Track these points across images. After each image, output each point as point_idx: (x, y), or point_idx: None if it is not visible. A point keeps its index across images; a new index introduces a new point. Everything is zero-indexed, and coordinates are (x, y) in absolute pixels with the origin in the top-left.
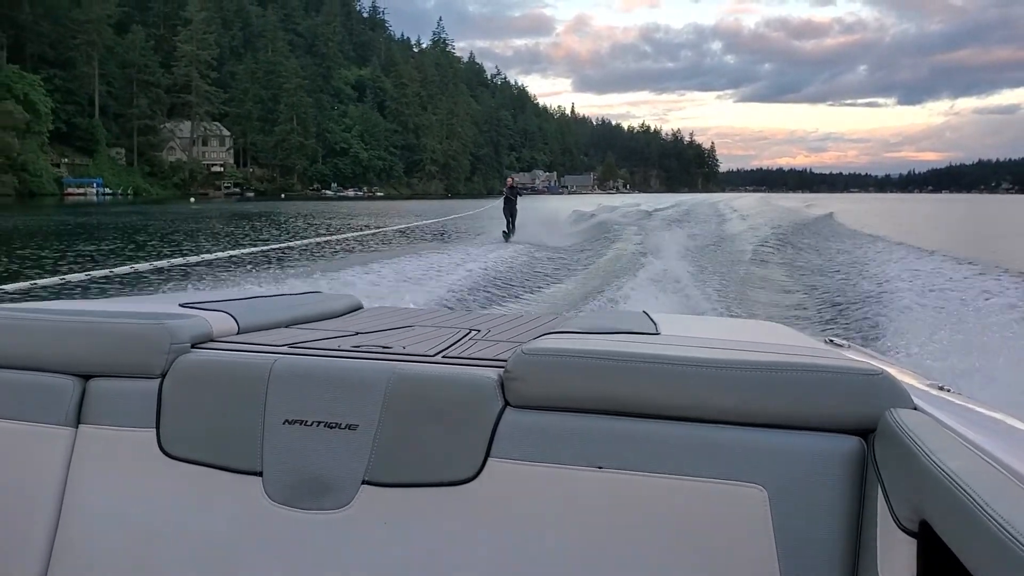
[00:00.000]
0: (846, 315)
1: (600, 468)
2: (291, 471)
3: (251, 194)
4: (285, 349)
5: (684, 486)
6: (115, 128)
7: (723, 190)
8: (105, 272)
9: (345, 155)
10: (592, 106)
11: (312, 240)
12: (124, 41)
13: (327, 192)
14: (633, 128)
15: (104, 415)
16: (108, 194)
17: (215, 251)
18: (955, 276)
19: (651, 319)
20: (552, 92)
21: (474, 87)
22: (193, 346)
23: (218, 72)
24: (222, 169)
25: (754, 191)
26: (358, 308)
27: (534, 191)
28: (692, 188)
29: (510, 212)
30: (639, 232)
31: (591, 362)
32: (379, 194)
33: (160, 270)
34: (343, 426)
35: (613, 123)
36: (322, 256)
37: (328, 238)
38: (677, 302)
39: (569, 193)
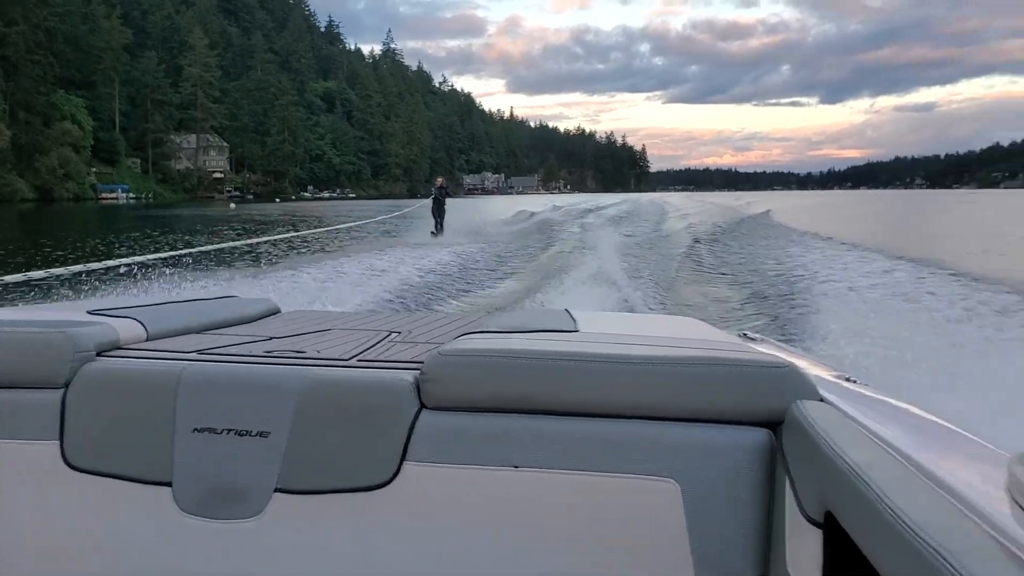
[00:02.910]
0: (773, 309)
1: (517, 468)
2: (201, 480)
3: (250, 196)
4: (195, 355)
5: (599, 482)
6: (123, 141)
7: (654, 190)
8: (20, 277)
9: (320, 160)
10: (526, 107)
11: (242, 243)
12: (139, 65)
13: (305, 194)
14: (569, 130)
15: (4, 428)
16: (134, 198)
17: (138, 255)
18: (878, 270)
19: (572, 317)
20: (486, 93)
21: (424, 94)
22: (99, 354)
23: (218, 91)
24: (222, 175)
25: (682, 190)
26: (275, 312)
27: (484, 191)
28: (625, 188)
29: (439, 212)
30: (579, 230)
31: (507, 361)
32: (351, 195)
33: (80, 275)
34: (254, 433)
35: (550, 125)
36: (248, 259)
37: (257, 240)
38: (612, 299)
39: (517, 193)
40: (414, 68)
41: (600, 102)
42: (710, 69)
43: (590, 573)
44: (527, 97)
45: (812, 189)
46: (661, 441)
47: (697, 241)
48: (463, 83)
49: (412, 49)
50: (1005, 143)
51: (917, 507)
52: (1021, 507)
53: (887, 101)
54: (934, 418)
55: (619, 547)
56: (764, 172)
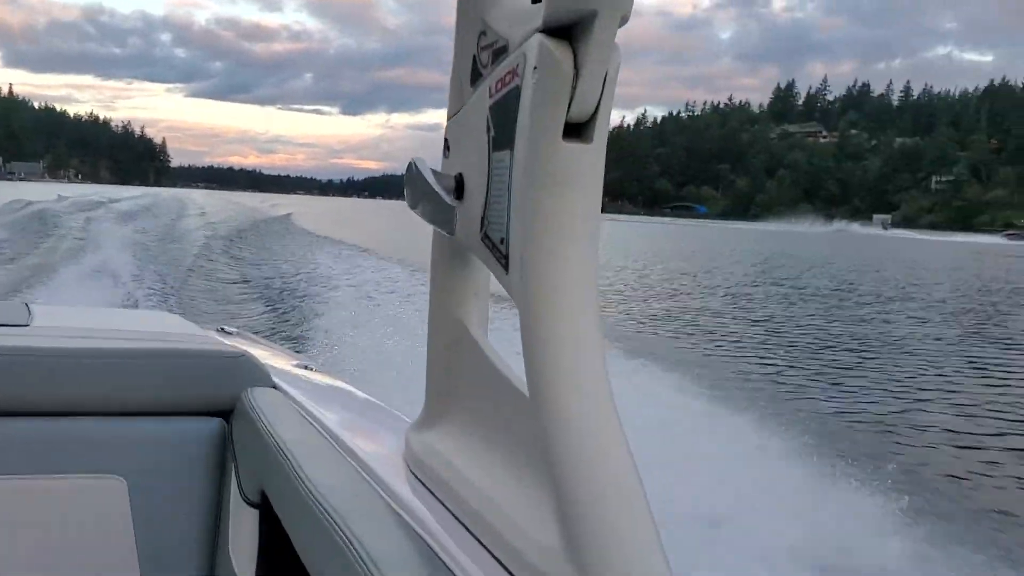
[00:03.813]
0: (279, 306)
1: None
2: None
3: None
4: None
5: (38, 486)
6: None
7: (175, 185)
8: None
9: None
10: (28, 84)
11: None
12: None
13: None
14: (80, 116)
15: None
16: None
17: None
18: (372, 270)
19: (29, 310)
20: None
21: None
22: None
23: None
24: None
25: (205, 188)
26: None
27: None
28: (144, 182)
29: None
30: (85, 223)
31: None
32: None
33: None
34: None
35: (58, 108)
36: None
37: None
38: (112, 296)
39: (18, 180)
40: None
41: (116, 88)
42: (234, 67)
43: None
44: (29, 74)
45: (333, 196)
46: (110, 437)
47: (214, 239)
48: None
49: None
50: None
51: (326, 478)
52: (411, 471)
53: (400, 119)
54: (367, 397)
55: (63, 552)
56: (289, 176)
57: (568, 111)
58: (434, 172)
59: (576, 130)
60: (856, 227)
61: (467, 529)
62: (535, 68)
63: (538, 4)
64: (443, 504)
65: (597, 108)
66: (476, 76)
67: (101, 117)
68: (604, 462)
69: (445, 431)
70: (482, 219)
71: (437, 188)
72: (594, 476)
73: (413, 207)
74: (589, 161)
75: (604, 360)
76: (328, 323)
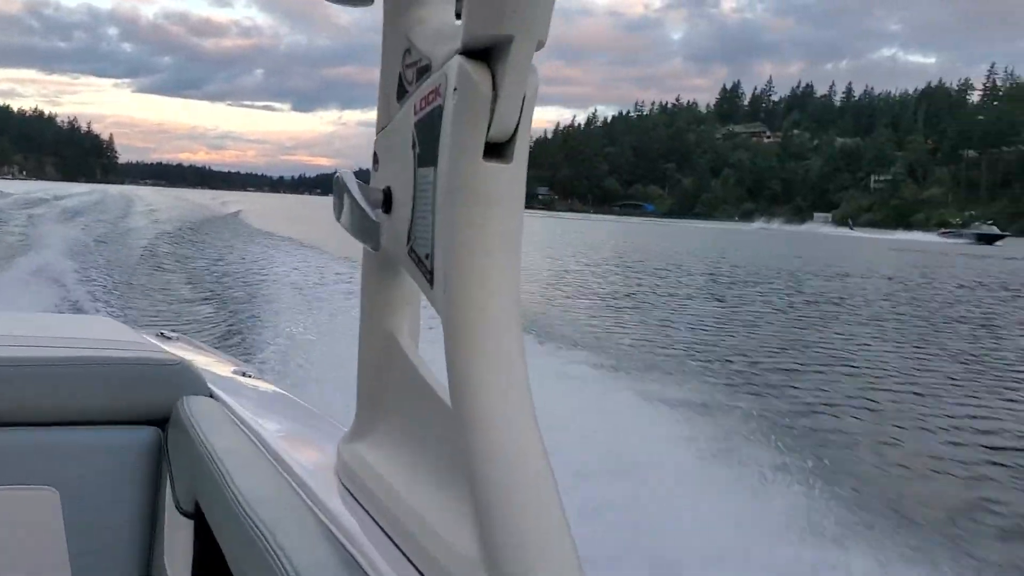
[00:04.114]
0: (227, 308)
1: None
2: None
3: None
4: None
5: None
6: None
7: (123, 182)
8: None
9: None
10: None
11: None
12: None
13: None
14: (24, 111)
15: None
16: None
17: None
18: (323, 268)
19: None
20: None
21: None
22: None
23: None
24: None
25: (154, 184)
26: None
27: None
28: (91, 178)
29: None
30: (26, 221)
31: None
32: None
33: None
34: None
35: (1, 103)
36: None
37: None
38: (53, 299)
39: None
40: None
41: (61, 83)
42: (184, 62)
43: None
44: None
45: (285, 192)
46: (41, 448)
47: (162, 238)
48: None
49: None
50: None
51: (258, 489)
52: (343, 484)
53: (352, 115)
54: (304, 404)
55: None
56: (239, 172)
57: (488, 132)
58: (360, 186)
59: (496, 150)
60: (777, 225)
61: (392, 541)
62: (455, 89)
63: (460, 24)
64: (371, 516)
65: (516, 129)
66: (402, 92)
67: (46, 112)
68: (522, 475)
69: (374, 442)
70: (409, 233)
71: (363, 203)
72: (512, 488)
73: (339, 220)
74: (509, 180)
75: (525, 373)
76: (274, 323)
